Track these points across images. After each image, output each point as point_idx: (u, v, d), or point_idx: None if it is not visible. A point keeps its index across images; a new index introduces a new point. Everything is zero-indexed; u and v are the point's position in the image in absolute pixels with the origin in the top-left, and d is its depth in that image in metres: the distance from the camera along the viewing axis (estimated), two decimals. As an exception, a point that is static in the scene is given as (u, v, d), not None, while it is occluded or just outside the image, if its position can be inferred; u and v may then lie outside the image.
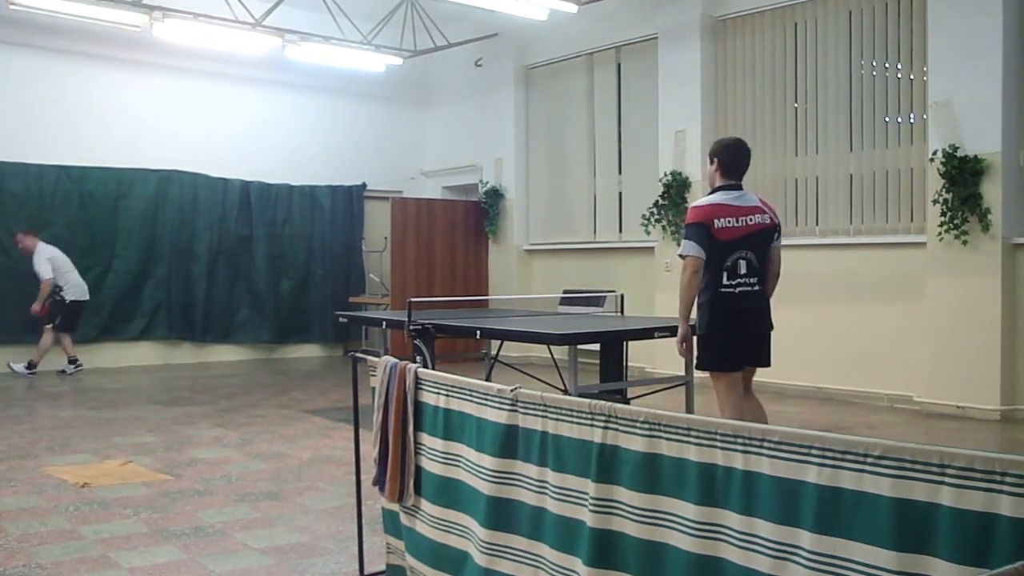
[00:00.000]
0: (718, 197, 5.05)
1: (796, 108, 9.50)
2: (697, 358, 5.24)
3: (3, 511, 4.99)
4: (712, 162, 5.18)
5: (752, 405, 5.31)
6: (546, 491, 2.82)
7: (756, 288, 5.04)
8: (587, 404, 2.68)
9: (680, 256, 5.06)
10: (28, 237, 10.73)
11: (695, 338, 5.21)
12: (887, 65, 8.77)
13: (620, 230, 11.44)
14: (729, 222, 4.94)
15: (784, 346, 9.13)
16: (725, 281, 4.96)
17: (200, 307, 12.23)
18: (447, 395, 3.29)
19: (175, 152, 12.00)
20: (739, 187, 5.11)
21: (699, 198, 5.42)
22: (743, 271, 4.97)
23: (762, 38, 9.70)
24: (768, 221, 5.06)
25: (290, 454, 6.52)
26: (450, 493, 3.26)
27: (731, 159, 5.13)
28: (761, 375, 9.51)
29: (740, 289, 4.99)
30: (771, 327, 5.22)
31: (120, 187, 11.67)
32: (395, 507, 3.57)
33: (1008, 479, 1.79)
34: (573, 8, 9.70)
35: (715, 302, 5.00)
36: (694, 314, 5.18)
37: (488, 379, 5.90)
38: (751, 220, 4.99)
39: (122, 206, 11.68)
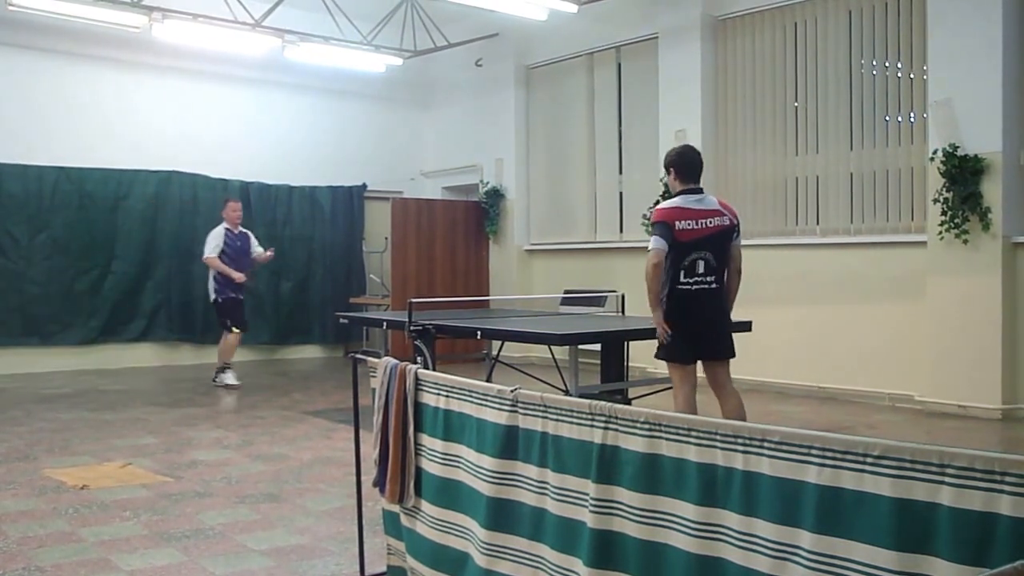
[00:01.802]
0: (680, 201, 5.44)
1: (796, 107, 9.50)
2: (657, 348, 5.61)
3: (2, 514, 4.98)
4: (669, 172, 5.60)
5: (729, 398, 5.67)
6: (546, 492, 2.82)
7: (713, 286, 5.44)
8: (587, 405, 2.68)
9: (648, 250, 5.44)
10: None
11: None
12: (887, 64, 8.77)
13: (621, 230, 11.43)
14: (689, 224, 5.33)
15: (785, 346, 9.21)
16: (682, 279, 5.37)
17: (200, 308, 12.19)
18: (447, 396, 3.29)
19: (175, 153, 11.98)
20: (699, 190, 5.49)
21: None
22: (701, 270, 5.38)
23: (762, 38, 9.70)
24: (727, 222, 5.45)
25: (290, 455, 6.52)
26: (450, 494, 3.25)
27: (685, 166, 5.53)
28: (762, 375, 9.57)
29: (697, 287, 5.39)
30: (728, 321, 5.64)
31: (120, 188, 11.66)
32: (395, 508, 3.57)
33: (1008, 479, 1.79)
34: (573, 8, 9.69)
35: (671, 298, 5.41)
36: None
37: (488, 380, 5.90)
38: (711, 223, 5.39)
39: (122, 207, 11.67)
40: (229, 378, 9.91)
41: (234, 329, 9.91)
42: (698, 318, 5.46)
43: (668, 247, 5.30)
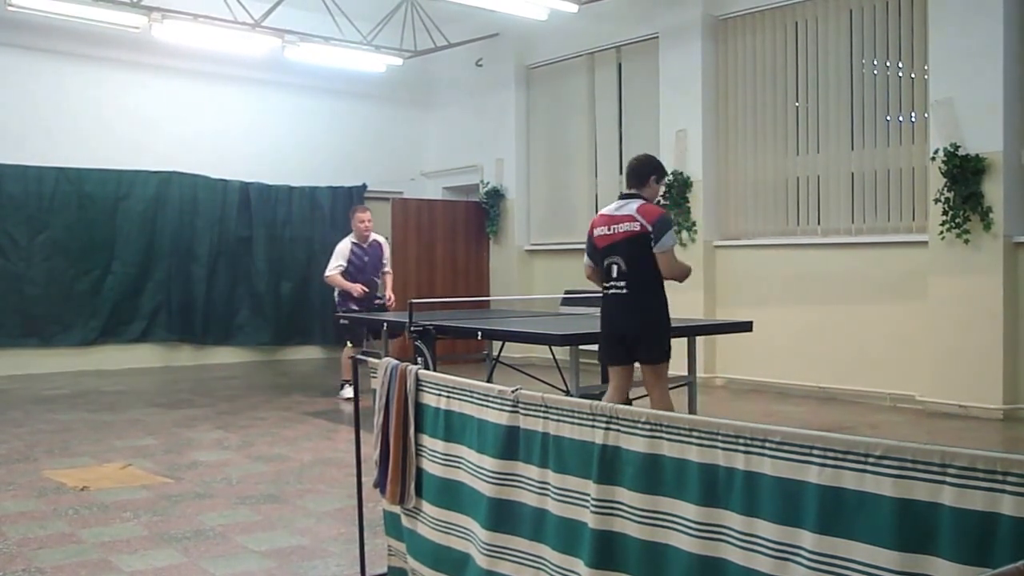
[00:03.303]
0: (607, 207, 5.59)
1: (797, 107, 9.49)
2: None
3: (2, 515, 4.98)
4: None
5: (651, 405, 5.54)
6: (547, 492, 2.82)
7: (624, 291, 5.43)
8: (588, 405, 2.68)
9: None
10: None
11: None
12: (888, 64, 8.76)
13: (621, 230, 11.40)
14: (603, 231, 5.47)
15: (786, 346, 9.20)
16: (603, 283, 5.53)
17: (200, 309, 12.22)
18: (448, 396, 3.28)
19: (174, 153, 11.99)
20: (630, 196, 5.51)
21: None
22: (614, 275, 5.44)
23: (763, 37, 9.69)
24: (637, 229, 5.36)
25: (291, 456, 6.51)
26: (451, 495, 3.25)
27: (626, 171, 5.69)
28: (763, 375, 9.57)
29: (611, 291, 5.48)
30: (641, 326, 5.47)
31: (119, 188, 11.67)
32: (396, 509, 3.56)
33: (1010, 479, 1.78)
34: (573, 8, 9.69)
35: (601, 302, 5.63)
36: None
37: (489, 380, 5.89)
38: (620, 228, 5.42)
39: (121, 208, 11.68)
40: (346, 392, 9.15)
41: (348, 343, 9.15)
42: (609, 322, 5.55)
43: (589, 256, 5.56)
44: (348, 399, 8.98)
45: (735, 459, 2.26)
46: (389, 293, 9.32)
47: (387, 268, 9.50)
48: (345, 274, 9.13)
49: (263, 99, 12.71)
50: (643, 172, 5.57)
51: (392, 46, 11.47)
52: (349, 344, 9.11)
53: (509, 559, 2.95)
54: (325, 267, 9.21)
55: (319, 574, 4.04)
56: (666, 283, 5.48)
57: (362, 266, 9.22)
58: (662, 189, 5.81)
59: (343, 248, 9.23)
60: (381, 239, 9.45)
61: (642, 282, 5.39)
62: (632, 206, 5.42)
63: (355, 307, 9.07)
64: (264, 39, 10.53)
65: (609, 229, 5.44)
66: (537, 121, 12.58)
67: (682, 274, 5.50)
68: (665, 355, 5.54)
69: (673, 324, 6.47)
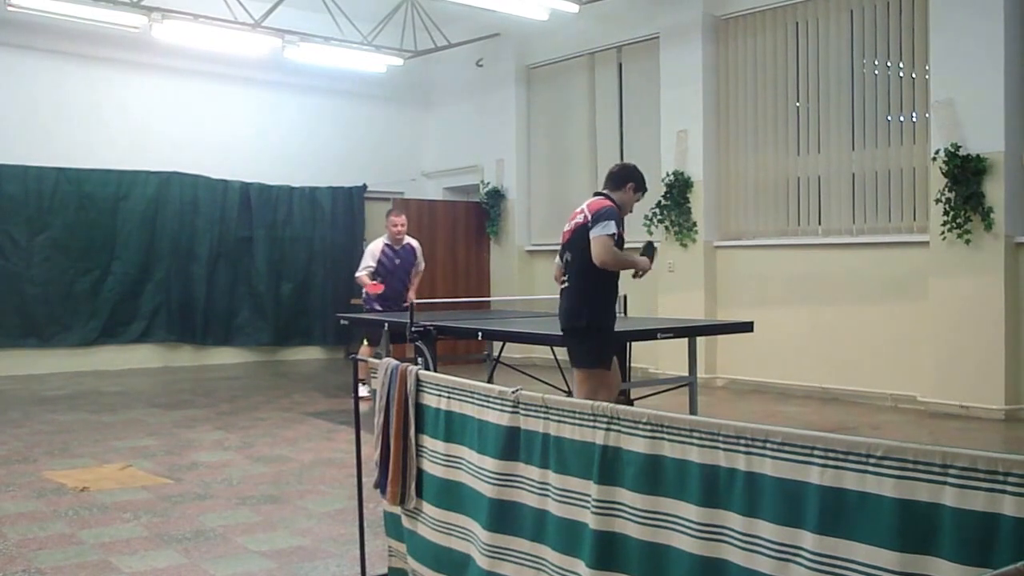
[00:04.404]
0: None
1: (798, 107, 9.48)
2: None
3: (2, 516, 4.98)
4: None
5: None
6: (548, 493, 2.81)
7: (567, 285, 5.42)
8: (589, 406, 2.67)
9: None
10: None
11: None
12: (888, 64, 8.75)
13: (621, 230, 11.39)
14: (565, 227, 5.47)
15: (787, 346, 9.20)
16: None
17: (200, 309, 12.22)
18: (448, 397, 3.28)
19: (175, 154, 11.99)
20: (595, 194, 5.49)
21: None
22: (565, 270, 5.44)
23: (763, 37, 9.69)
24: (581, 221, 5.33)
25: (291, 457, 6.51)
26: (452, 495, 3.25)
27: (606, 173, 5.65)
28: (764, 375, 9.56)
29: (561, 287, 5.49)
30: (564, 323, 5.44)
31: (119, 189, 11.66)
32: (397, 510, 3.56)
33: (1011, 479, 1.78)
34: (574, 8, 9.69)
35: None
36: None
37: (490, 381, 5.89)
38: (571, 224, 5.44)
39: (121, 208, 11.68)
40: (362, 391, 9.08)
41: (365, 341, 8.97)
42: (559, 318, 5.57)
43: (559, 255, 5.58)
44: (363, 398, 8.80)
45: (736, 460, 2.26)
46: (412, 295, 9.11)
47: (418, 269, 9.33)
48: (375, 275, 8.97)
49: (263, 99, 12.71)
50: (620, 177, 5.51)
51: (392, 46, 11.47)
52: (366, 343, 8.98)
53: (510, 560, 2.94)
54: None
55: (319, 575, 4.04)
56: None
57: (393, 268, 9.09)
58: (637, 199, 5.61)
59: (374, 248, 9.13)
60: (414, 243, 9.33)
61: (577, 277, 5.31)
62: (587, 202, 5.38)
63: (379, 308, 8.96)
64: (264, 39, 10.53)
65: (567, 225, 5.43)
66: (537, 121, 12.57)
67: (615, 260, 5.19)
68: (586, 360, 5.31)
69: (673, 325, 6.48)
